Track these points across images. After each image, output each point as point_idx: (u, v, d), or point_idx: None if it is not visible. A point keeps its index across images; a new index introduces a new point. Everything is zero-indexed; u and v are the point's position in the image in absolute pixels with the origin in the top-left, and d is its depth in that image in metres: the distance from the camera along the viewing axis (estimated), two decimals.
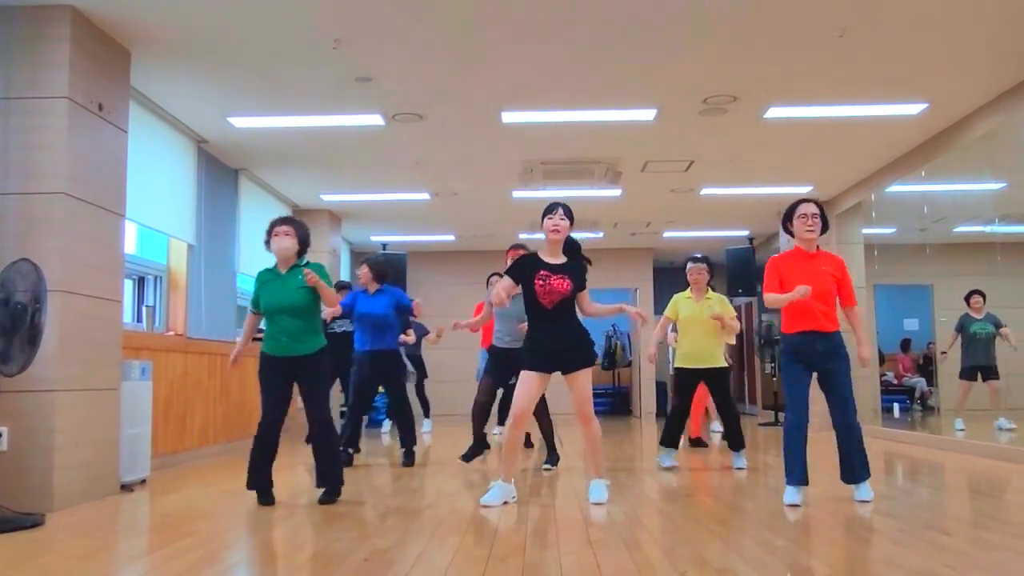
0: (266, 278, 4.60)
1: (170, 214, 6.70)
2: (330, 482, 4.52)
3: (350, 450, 6.36)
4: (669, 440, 5.92)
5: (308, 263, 4.63)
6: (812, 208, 4.38)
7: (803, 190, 9.33)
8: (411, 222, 10.77)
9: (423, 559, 3.10)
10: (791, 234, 4.46)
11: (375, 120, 6.58)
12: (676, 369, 5.98)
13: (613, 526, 3.72)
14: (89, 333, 4.68)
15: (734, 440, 5.94)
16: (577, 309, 4.45)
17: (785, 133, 7.08)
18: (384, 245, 11.63)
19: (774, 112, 6.50)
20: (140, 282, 6.69)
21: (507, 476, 4.38)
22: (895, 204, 8.57)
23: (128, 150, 5.20)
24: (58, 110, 4.54)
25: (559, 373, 4.39)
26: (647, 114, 6.54)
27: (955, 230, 8.38)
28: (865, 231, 9.07)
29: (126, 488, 5.00)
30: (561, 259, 4.43)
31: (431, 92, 6.08)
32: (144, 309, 6.62)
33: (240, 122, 6.63)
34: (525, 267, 4.38)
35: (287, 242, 4.55)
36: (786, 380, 4.36)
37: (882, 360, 9.74)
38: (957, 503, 4.58)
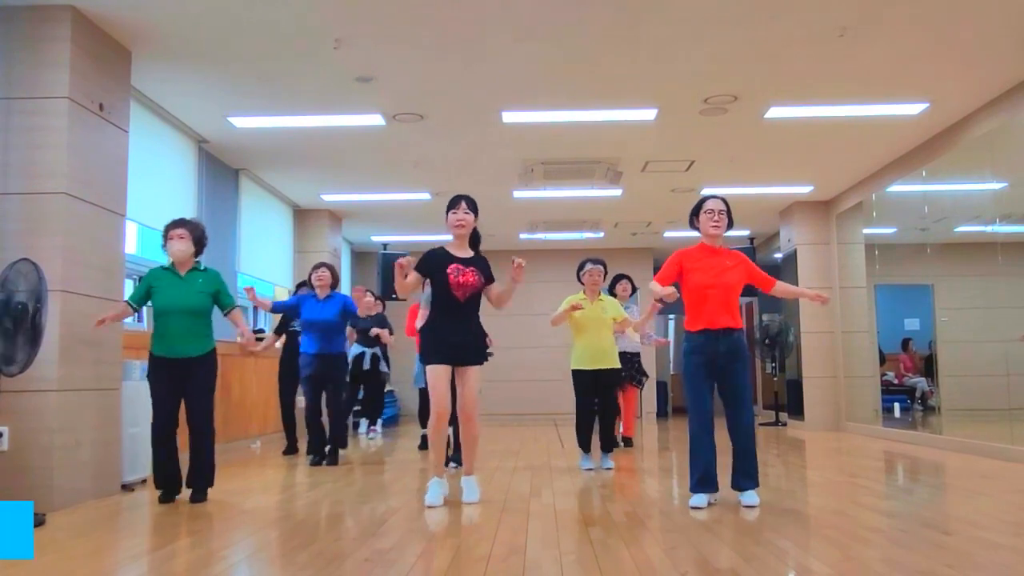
0: (162, 278, 4.59)
1: (171, 214, 6.63)
2: (198, 483, 4.57)
3: (324, 454, 6.34)
4: (584, 444, 5.93)
5: (206, 268, 4.71)
6: (719, 205, 4.32)
7: (803, 190, 9.33)
8: (411, 222, 10.77)
9: (424, 559, 3.10)
10: (697, 229, 4.40)
11: (375, 120, 6.58)
12: (572, 371, 5.90)
13: (613, 526, 3.72)
14: (90, 333, 4.68)
15: (606, 441, 5.99)
16: (486, 301, 4.48)
17: (785, 133, 7.08)
18: (385, 245, 11.62)
19: (775, 112, 6.50)
20: (141, 282, 6.69)
21: (440, 472, 4.39)
22: (896, 204, 8.56)
23: (129, 150, 5.21)
24: (59, 110, 4.54)
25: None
26: (647, 114, 6.54)
27: (956, 230, 8.36)
28: (866, 231, 9.06)
29: (127, 488, 5.00)
30: (469, 253, 4.45)
31: (431, 92, 6.08)
32: (145, 309, 6.60)
33: (241, 122, 6.64)
34: (433, 261, 4.37)
35: (182, 245, 4.58)
36: (690, 383, 4.20)
37: (883, 360, 9.72)
38: (957, 503, 4.58)
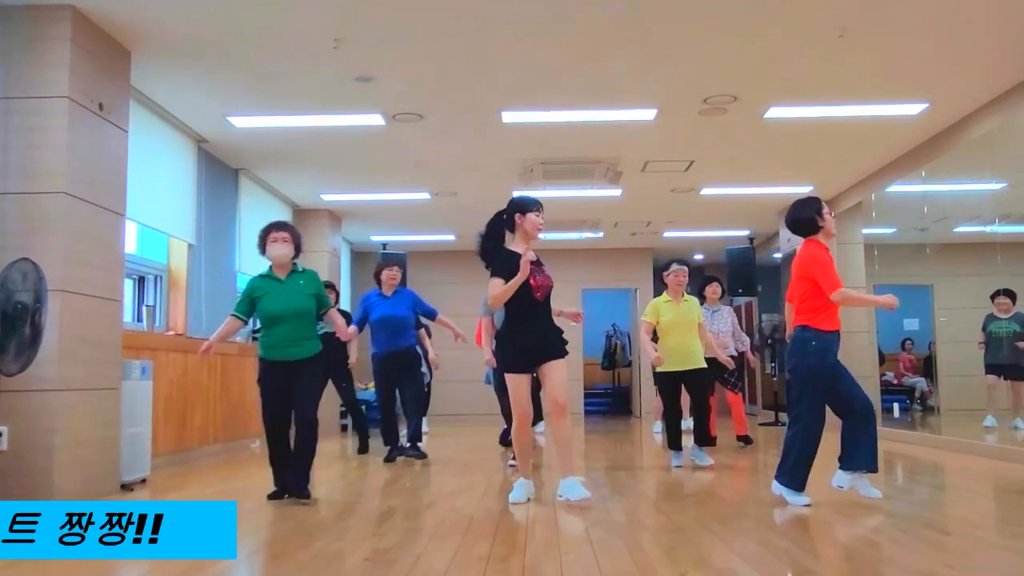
0: (264, 285, 4.49)
1: (170, 213, 6.70)
2: (299, 482, 4.45)
3: (398, 448, 6.34)
4: (673, 443, 5.89)
5: (304, 269, 4.62)
6: None
7: (803, 190, 9.32)
8: (411, 222, 10.77)
9: (423, 559, 3.10)
10: (817, 228, 4.23)
11: (375, 120, 6.58)
12: (656, 374, 5.89)
13: (613, 526, 3.72)
14: (89, 333, 4.68)
15: (701, 437, 5.90)
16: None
17: (785, 133, 7.08)
18: (384, 245, 11.62)
19: (774, 112, 6.50)
20: (140, 281, 6.70)
21: (527, 473, 4.38)
22: (895, 204, 8.57)
23: (128, 150, 5.20)
24: (58, 110, 4.54)
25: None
26: (647, 114, 6.54)
27: (955, 230, 8.38)
28: (865, 231, 9.07)
29: (126, 487, 5.00)
30: (533, 255, 4.33)
31: (431, 92, 6.08)
32: (144, 308, 6.62)
33: (240, 122, 6.63)
34: (512, 263, 4.22)
35: (286, 248, 4.49)
36: (821, 382, 4.11)
37: (882, 360, 9.72)
38: (957, 503, 4.58)
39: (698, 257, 13.88)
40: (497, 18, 4.87)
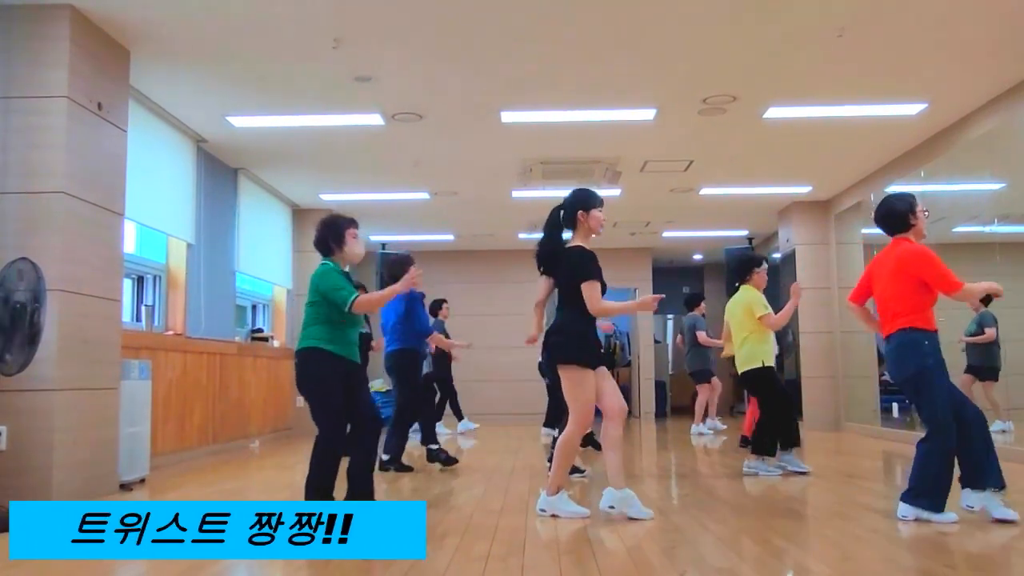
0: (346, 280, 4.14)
1: (169, 213, 6.70)
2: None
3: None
4: (792, 440, 5.50)
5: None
6: None
7: (802, 190, 9.34)
8: (411, 222, 10.77)
9: (423, 559, 3.10)
10: (908, 225, 3.97)
11: (375, 120, 6.58)
12: (768, 368, 5.52)
13: (613, 526, 3.72)
14: (88, 332, 4.68)
15: (790, 439, 5.56)
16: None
17: (785, 133, 7.08)
18: (383, 244, 11.62)
19: (774, 112, 6.50)
20: (139, 281, 6.69)
21: (568, 484, 4.24)
22: None
23: (127, 149, 5.20)
24: (57, 109, 4.54)
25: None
26: (646, 114, 6.54)
27: (954, 230, 8.37)
28: (864, 231, 9.06)
29: (125, 487, 5.00)
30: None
31: (431, 92, 6.07)
32: (143, 308, 6.61)
33: (239, 121, 6.63)
34: (596, 264, 4.07)
35: (363, 247, 4.21)
36: (944, 386, 3.79)
37: (881, 360, 9.73)
38: (957, 503, 4.57)
39: (697, 257, 13.89)
40: (497, 18, 4.87)
